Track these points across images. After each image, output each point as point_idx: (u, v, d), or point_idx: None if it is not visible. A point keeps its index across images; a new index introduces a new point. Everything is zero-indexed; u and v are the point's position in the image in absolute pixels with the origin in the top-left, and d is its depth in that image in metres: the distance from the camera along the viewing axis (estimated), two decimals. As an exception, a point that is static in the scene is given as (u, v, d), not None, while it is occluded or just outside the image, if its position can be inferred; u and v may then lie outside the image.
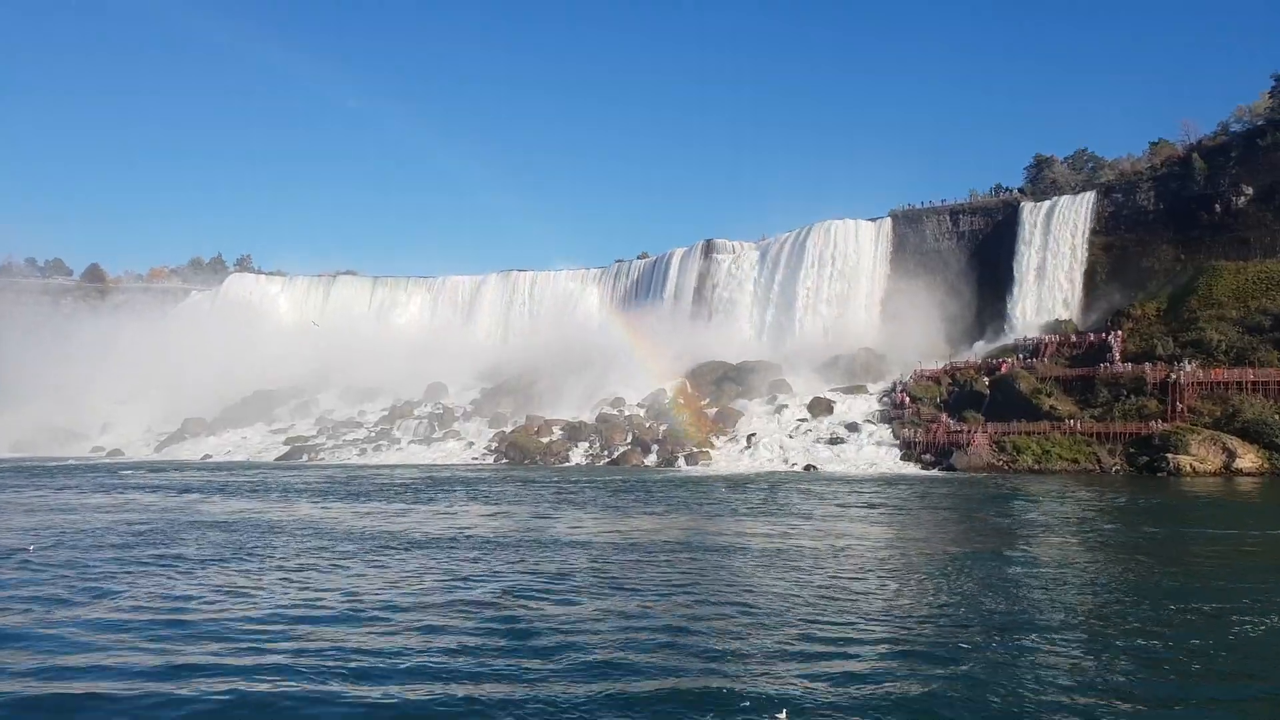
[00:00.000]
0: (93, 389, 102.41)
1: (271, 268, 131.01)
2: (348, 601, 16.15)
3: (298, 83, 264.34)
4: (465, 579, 18.35)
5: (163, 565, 20.02)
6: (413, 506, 34.68)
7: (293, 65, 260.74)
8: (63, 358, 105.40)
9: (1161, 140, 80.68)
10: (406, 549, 22.61)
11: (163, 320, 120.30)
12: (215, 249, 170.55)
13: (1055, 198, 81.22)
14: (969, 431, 57.75)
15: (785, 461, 57.69)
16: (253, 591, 17.19)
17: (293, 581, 18.17)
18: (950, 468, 53.98)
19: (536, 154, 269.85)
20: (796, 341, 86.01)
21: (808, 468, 55.48)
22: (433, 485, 45.45)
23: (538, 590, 17.08)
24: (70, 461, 70.93)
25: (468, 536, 25.00)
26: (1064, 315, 76.19)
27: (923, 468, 55.25)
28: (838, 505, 34.68)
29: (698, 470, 55.94)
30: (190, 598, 16.51)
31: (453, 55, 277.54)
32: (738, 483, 45.72)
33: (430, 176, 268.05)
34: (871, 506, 34.65)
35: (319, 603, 16.09)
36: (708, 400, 74.95)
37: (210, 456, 78.49)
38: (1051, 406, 60.06)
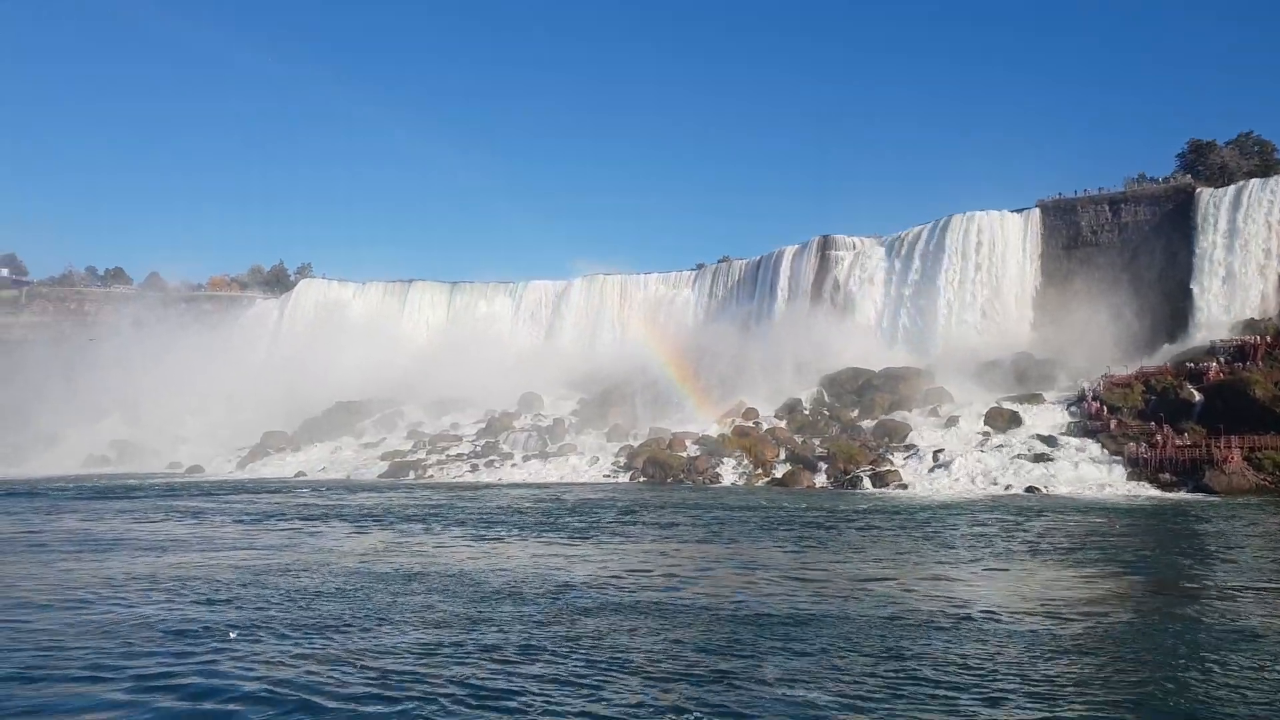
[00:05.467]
0: (161, 401, 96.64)
1: (331, 276, 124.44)
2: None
3: (322, 101, 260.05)
4: None
5: (429, 675, 12.16)
6: (620, 546, 26.92)
7: (312, 84, 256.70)
8: (130, 369, 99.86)
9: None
10: (743, 632, 14.58)
11: (231, 329, 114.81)
12: (260, 259, 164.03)
13: (1240, 183, 72.01)
14: (1208, 446, 48.88)
15: (994, 483, 49.14)
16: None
17: None
18: (1203, 489, 45.19)
19: (586, 163, 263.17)
20: (939, 345, 77.43)
21: (1029, 489, 46.91)
22: (597, 511, 37.54)
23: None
24: (155, 480, 64.13)
25: (803, 615, 16.90)
26: (1258, 314, 67.09)
27: (1161, 488, 46.54)
28: (1164, 547, 26.53)
29: (896, 494, 47.60)
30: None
31: (502, 70, 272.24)
32: (970, 510, 37.46)
33: (456, 190, 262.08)
34: (1212, 552, 26.41)
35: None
36: (857, 412, 66.56)
37: (304, 474, 71.34)
38: (1299, 417, 51.15)
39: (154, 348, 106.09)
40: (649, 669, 11.99)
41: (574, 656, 12.67)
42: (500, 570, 22.06)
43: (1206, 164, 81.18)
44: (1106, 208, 78.54)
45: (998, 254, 79.74)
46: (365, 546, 27.56)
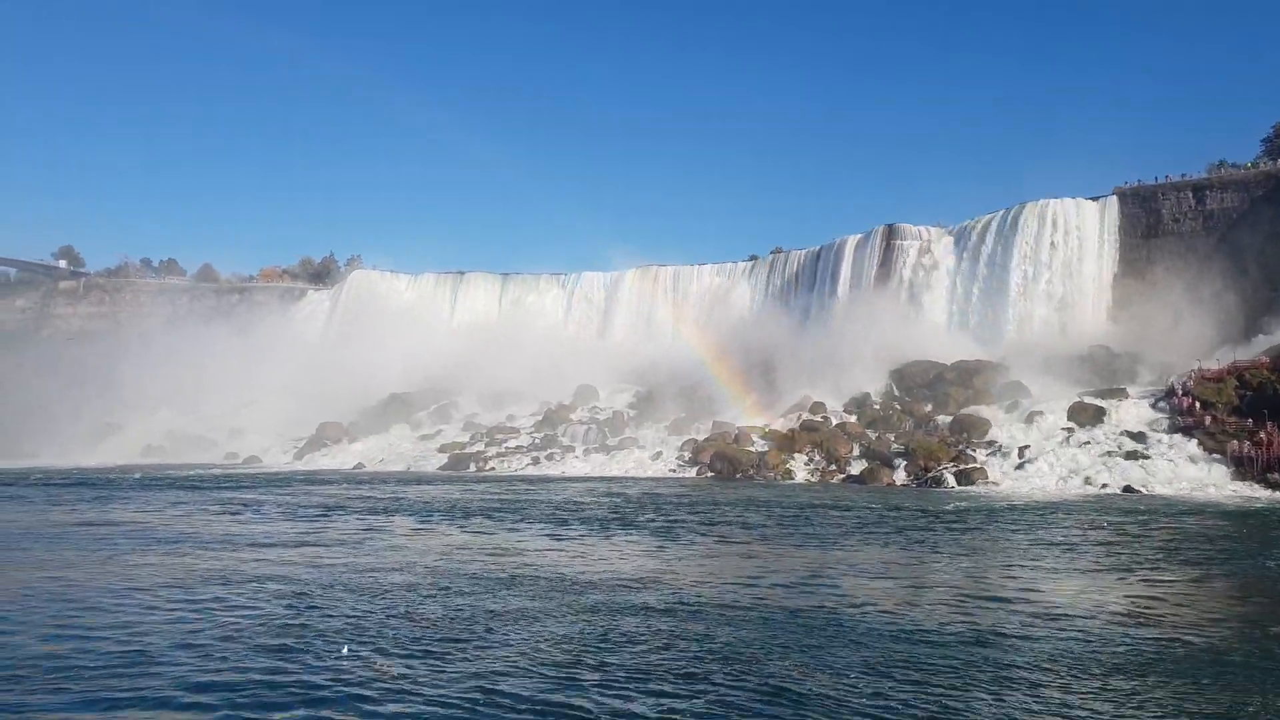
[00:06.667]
0: (216, 392, 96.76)
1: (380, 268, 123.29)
2: None
3: (369, 97, 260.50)
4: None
5: None
6: (715, 548, 25.10)
7: (360, 81, 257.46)
8: (184, 360, 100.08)
9: None
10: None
11: (282, 319, 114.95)
12: (309, 251, 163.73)
13: (1339, 166, 68.35)
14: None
15: (1086, 481, 46.55)
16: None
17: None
18: (1320, 491, 42.30)
19: (628, 157, 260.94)
20: (1010, 338, 74.52)
21: (1126, 489, 44.29)
22: (671, 508, 35.60)
23: None
24: (213, 471, 63.55)
25: (978, 636, 14.89)
26: (1358, 307, 63.50)
27: (1272, 489, 43.63)
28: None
29: (985, 492, 45.19)
30: None
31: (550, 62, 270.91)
32: (1075, 511, 35.11)
33: (500, 184, 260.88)
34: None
35: None
36: (930, 407, 64.04)
37: (363, 465, 70.46)
38: None
39: (207, 338, 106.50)
40: (846, 710, 10.08)
41: (744, 692, 10.78)
42: (597, 573, 20.29)
43: (1295, 147, 77.35)
44: (1190, 194, 74.97)
45: (1073, 243, 76.58)
46: (444, 544, 26.00)
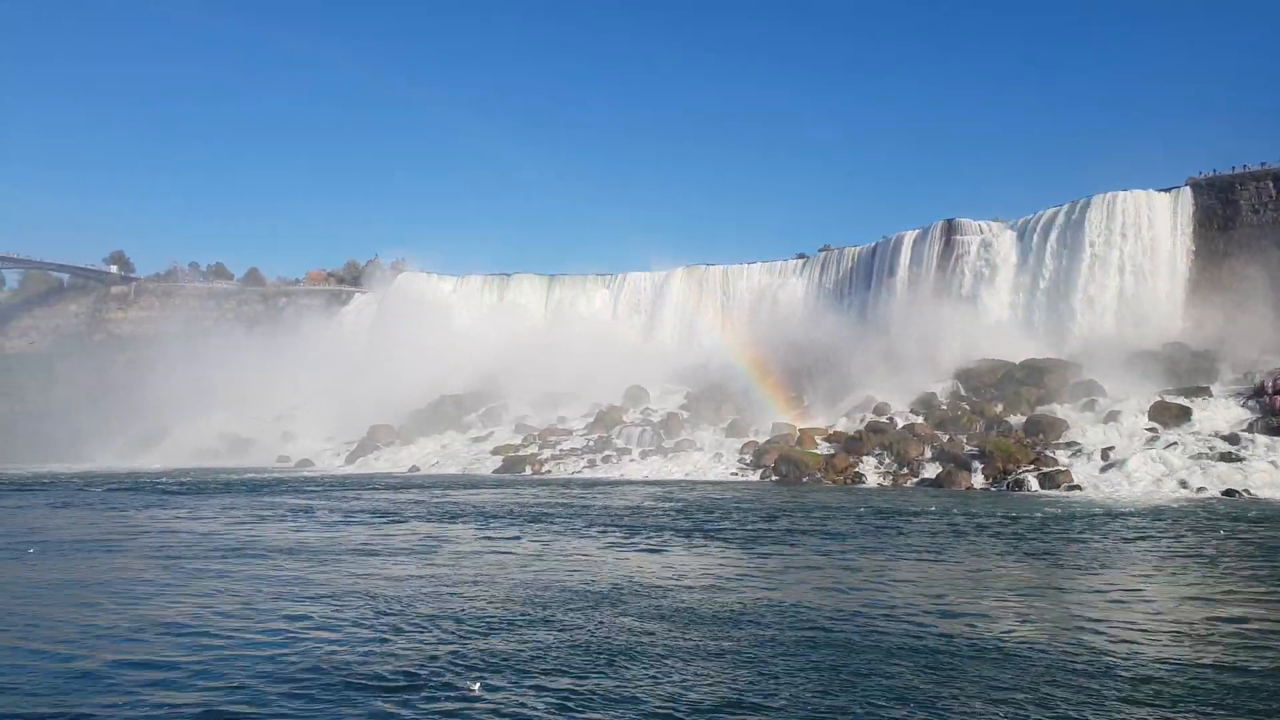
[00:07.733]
0: (264, 395, 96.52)
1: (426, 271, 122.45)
2: None
3: (413, 104, 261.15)
4: None
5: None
6: (809, 559, 23.33)
7: (402, 89, 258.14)
8: (232, 363, 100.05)
9: None
10: None
11: (330, 322, 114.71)
12: (354, 254, 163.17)
13: None
14: None
15: (1181, 484, 44.03)
16: None
17: None
18: None
19: (670, 157, 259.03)
20: (1078, 335, 71.68)
21: (1227, 493, 41.73)
22: (743, 514, 33.86)
23: None
24: (267, 475, 62.83)
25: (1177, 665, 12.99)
26: None
27: (1387, 495, 40.91)
28: None
29: (1072, 497, 42.86)
30: None
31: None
32: (1185, 518, 32.84)
33: (542, 186, 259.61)
34: None
35: None
36: (1001, 407, 61.56)
37: (418, 469, 69.47)
38: None
39: (254, 342, 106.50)
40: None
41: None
42: (703, 591, 18.60)
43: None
44: (1270, 184, 71.62)
45: (1144, 237, 73.48)
46: (519, 553, 24.51)
